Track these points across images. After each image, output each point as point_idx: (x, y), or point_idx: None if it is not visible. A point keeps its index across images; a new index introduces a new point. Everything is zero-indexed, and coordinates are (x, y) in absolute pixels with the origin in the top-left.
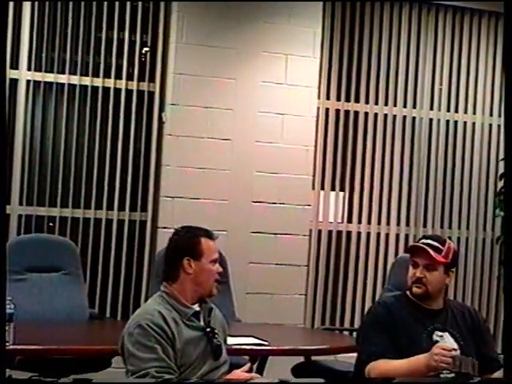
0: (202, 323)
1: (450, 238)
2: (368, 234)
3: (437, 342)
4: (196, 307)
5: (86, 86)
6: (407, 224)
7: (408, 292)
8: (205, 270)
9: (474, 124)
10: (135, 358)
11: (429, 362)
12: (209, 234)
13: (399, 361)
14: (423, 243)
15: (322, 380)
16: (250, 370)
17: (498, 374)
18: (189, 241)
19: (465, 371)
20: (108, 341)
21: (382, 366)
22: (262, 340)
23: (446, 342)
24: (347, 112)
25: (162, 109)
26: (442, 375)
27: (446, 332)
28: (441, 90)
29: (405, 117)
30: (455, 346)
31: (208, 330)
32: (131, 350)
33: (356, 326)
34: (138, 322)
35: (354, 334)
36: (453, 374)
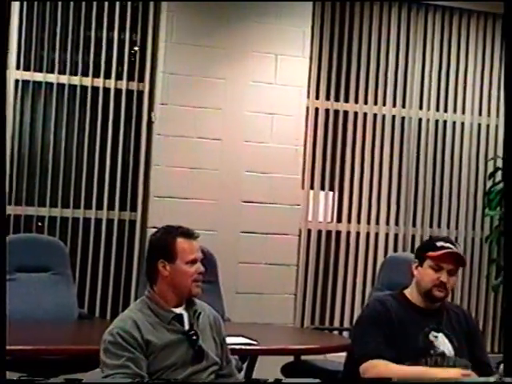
0: (186, 326)
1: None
2: (357, 234)
3: (431, 342)
4: (180, 310)
5: (75, 86)
6: (396, 223)
7: (407, 292)
8: (180, 273)
9: (462, 124)
10: (103, 364)
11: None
12: (186, 234)
13: (402, 367)
14: (452, 249)
15: (317, 380)
16: None
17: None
18: (163, 242)
19: None
20: (97, 341)
21: (381, 368)
22: (252, 340)
23: (440, 342)
24: (337, 111)
25: (151, 108)
26: None
27: (441, 333)
28: (430, 89)
29: (394, 116)
30: (449, 347)
31: (190, 333)
32: (101, 357)
33: (346, 325)
34: (110, 330)
35: (344, 333)
36: None
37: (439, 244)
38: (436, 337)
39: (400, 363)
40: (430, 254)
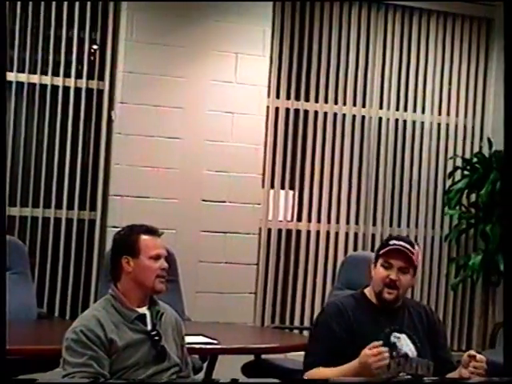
0: (148, 326)
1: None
2: (317, 233)
3: (394, 344)
4: (143, 310)
5: (35, 84)
6: (356, 222)
7: (367, 291)
8: (144, 267)
9: (422, 123)
10: (65, 362)
11: (365, 362)
12: (149, 230)
13: (331, 369)
14: (401, 245)
15: (273, 380)
16: None
17: (452, 375)
18: (127, 239)
19: (421, 373)
20: (56, 340)
21: (314, 376)
22: (212, 339)
23: (403, 343)
24: (297, 111)
25: (111, 107)
26: (398, 377)
27: (404, 334)
28: (390, 89)
29: (354, 116)
30: (412, 348)
31: (153, 333)
32: (63, 355)
33: (306, 324)
34: (73, 328)
35: (304, 332)
36: (409, 377)
37: (391, 242)
38: (398, 338)
39: None
40: (381, 251)
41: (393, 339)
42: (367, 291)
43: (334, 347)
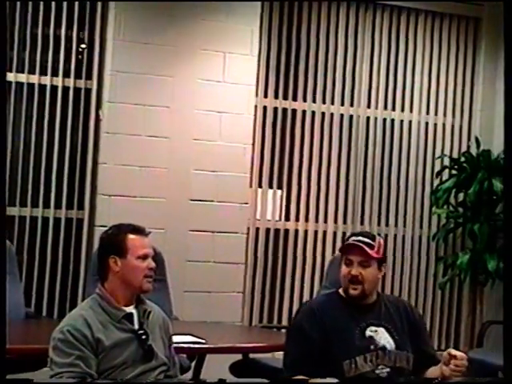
0: (135, 325)
1: (386, 235)
2: (305, 232)
3: (371, 337)
4: (130, 309)
5: (22, 83)
6: (344, 222)
7: (341, 290)
8: (131, 267)
9: (410, 122)
10: (52, 362)
11: None
12: (137, 230)
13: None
14: (356, 240)
15: (260, 380)
16: None
17: (433, 369)
18: (114, 239)
19: (399, 365)
20: (44, 340)
21: None
22: (200, 338)
23: (381, 337)
24: (285, 110)
25: (99, 106)
26: (377, 370)
27: (381, 327)
28: (378, 88)
29: (342, 115)
30: (390, 340)
31: (140, 332)
32: (50, 355)
33: None
34: (61, 328)
35: None
36: (388, 369)
37: (350, 239)
38: (376, 331)
39: (337, 364)
40: (341, 249)
41: (369, 333)
42: (341, 289)
43: (308, 348)
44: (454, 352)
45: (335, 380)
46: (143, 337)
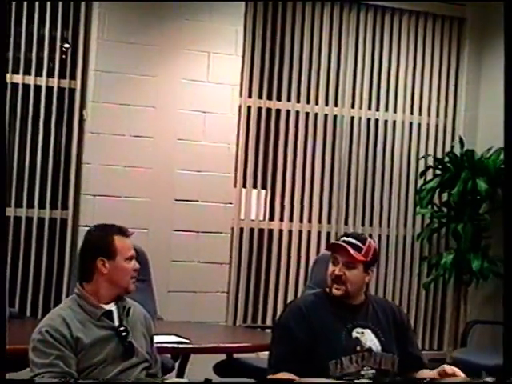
0: (115, 322)
1: (370, 235)
2: (290, 232)
3: (357, 338)
4: (109, 306)
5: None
6: (328, 221)
7: (328, 289)
8: (120, 269)
9: (394, 122)
10: (32, 363)
11: None
12: (122, 231)
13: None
14: (343, 241)
15: (246, 380)
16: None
17: (422, 373)
18: (102, 240)
19: (384, 368)
20: (27, 340)
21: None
22: (184, 338)
23: (367, 338)
24: (269, 110)
25: (83, 106)
26: (362, 372)
27: (368, 329)
28: (362, 88)
29: (326, 115)
30: (376, 342)
31: (121, 329)
32: (30, 355)
33: None
34: (39, 328)
35: None
36: (373, 371)
37: (340, 239)
38: (362, 333)
39: (322, 363)
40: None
41: (355, 334)
42: (329, 290)
43: (294, 347)
44: (448, 371)
45: (322, 380)
46: (123, 333)
